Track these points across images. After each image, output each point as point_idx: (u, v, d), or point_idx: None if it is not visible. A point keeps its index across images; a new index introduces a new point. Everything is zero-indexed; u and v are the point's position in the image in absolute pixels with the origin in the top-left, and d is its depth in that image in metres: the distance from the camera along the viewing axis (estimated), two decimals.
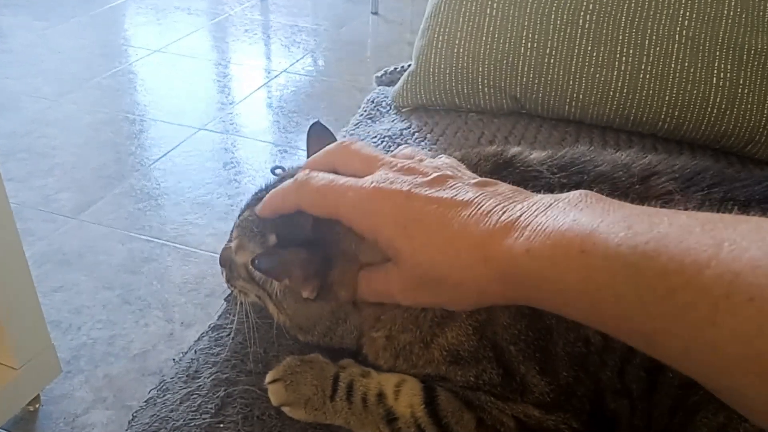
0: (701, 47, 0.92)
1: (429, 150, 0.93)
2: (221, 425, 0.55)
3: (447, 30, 1.00)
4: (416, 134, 0.98)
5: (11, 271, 1.11)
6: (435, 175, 0.45)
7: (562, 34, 0.95)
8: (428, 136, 0.98)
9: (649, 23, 0.93)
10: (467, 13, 0.99)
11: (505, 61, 0.98)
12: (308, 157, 0.58)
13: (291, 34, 3.12)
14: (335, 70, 2.84)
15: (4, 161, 2.04)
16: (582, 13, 0.94)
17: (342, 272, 0.51)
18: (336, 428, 0.54)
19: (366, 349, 0.56)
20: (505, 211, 0.40)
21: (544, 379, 0.48)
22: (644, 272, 0.33)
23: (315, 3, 3.66)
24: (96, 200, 1.90)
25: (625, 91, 0.94)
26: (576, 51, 0.95)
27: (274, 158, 2.20)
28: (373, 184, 0.45)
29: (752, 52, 0.91)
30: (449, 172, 0.46)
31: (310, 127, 0.61)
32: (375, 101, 1.11)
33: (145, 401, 0.62)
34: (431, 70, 1.02)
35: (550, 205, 0.40)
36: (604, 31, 0.94)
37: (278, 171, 0.87)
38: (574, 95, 0.97)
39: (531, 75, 0.97)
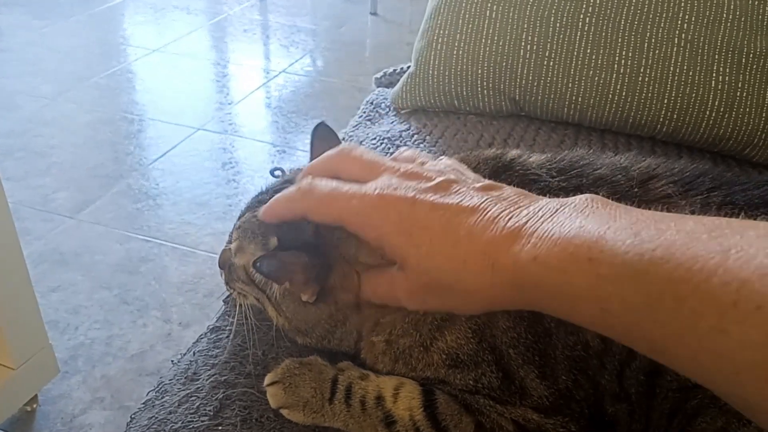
0: (700, 50, 0.92)
1: (429, 152, 0.93)
2: (220, 427, 0.55)
3: (446, 32, 1.00)
4: (415, 136, 0.98)
5: (9, 270, 1.11)
6: (439, 179, 0.45)
7: (561, 36, 0.95)
8: (427, 138, 0.98)
9: (648, 26, 0.93)
10: (467, 15, 0.99)
11: (504, 64, 0.98)
12: (311, 158, 0.58)
13: (290, 34, 3.12)
14: (334, 71, 2.84)
15: (2, 160, 2.04)
16: (581, 16, 0.94)
17: (342, 276, 0.51)
18: (334, 431, 0.54)
19: (365, 353, 0.56)
20: (511, 217, 0.40)
21: (543, 383, 0.48)
22: (652, 280, 0.33)
23: (314, 3, 3.66)
24: (94, 200, 1.90)
25: (624, 93, 0.95)
26: (575, 53, 0.95)
27: (273, 158, 2.20)
28: (377, 191, 0.45)
29: (751, 55, 0.91)
30: (453, 176, 0.46)
31: (315, 128, 0.60)
32: (374, 102, 1.11)
33: (144, 403, 0.62)
34: (431, 71, 1.02)
35: (557, 210, 0.39)
36: (604, 34, 0.94)
37: (277, 173, 0.87)
38: (573, 98, 0.97)
39: (530, 77, 0.97)
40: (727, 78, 0.91)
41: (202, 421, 0.56)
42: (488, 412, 0.50)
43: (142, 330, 1.48)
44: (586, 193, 0.48)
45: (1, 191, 1.05)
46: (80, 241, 1.73)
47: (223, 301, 0.81)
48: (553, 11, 0.95)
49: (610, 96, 0.95)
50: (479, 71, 0.99)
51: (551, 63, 0.96)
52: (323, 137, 0.60)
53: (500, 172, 0.53)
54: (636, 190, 0.50)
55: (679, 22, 0.92)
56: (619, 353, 0.47)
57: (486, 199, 0.42)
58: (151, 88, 2.65)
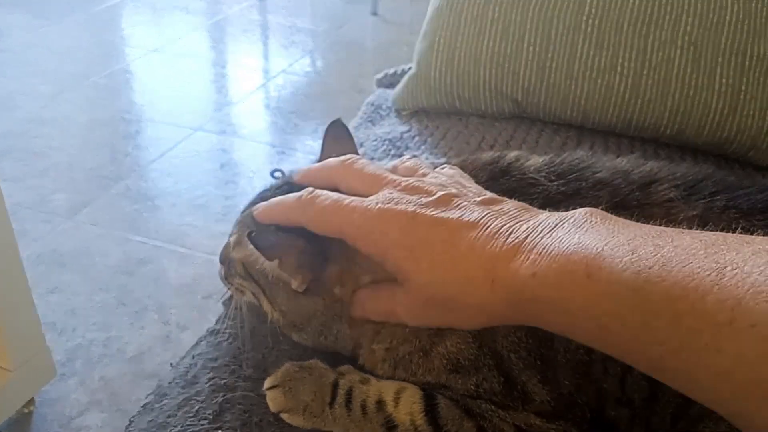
0: (703, 53, 0.91)
1: (431, 154, 0.93)
2: (219, 431, 0.54)
3: (448, 33, 0.99)
4: (416, 138, 0.97)
5: (6, 272, 1.10)
6: (440, 194, 0.45)
7: (564, 38, 0.95)
8: (429, 139, 0.97)
9: (651, 28, 0.92)
10: (469, 17, 0.98)
11: (506, 65, 0.97)
12: (321, 157, 0.58)
13: (289, 35, 3.11)
14: (334, 71, 2.84)
15: (0, 161, 2.03)
16: (584, 18, 0.94)
17: (341, 272, 0.51)
18: None
19: (363, 359, 0.55)
20: (511, 232, 0.41)
21: (545, 388, 0.48)
22: (649, 297, 0.33)
23: (314, 3, 3.65)
24: (92, 201, 1.89)
25: (626, 96, 0.94)
26: (578, 55, 0.94)
27: (272, 159, 2.20)
28: (379, 206, 0.45)
29: (754, 58, 0.91)
30: (454, 190, 0.46)
31: (330, 125, 0.60)
32: (375, 104, 1.11)
33: (143, 406, 0.61)
34: (432, 73, 1.01)
35: (556, 225, 0.40)
36: (606, 36, 0.94)
37: (277, 174, 0.86)
38: (576, 100, 0.96)
39: (533, 79, 0.97)
40: (730, 80, 0.91)
41: (202, 425, 0.55)
42: (490, 417, 0.49)
43: (140, 332, 1.47)
44: (585, 197, 0.48)
45: None
46: (78, 243, 1.73)
47: (222, 303, 0.81)
48: (556, 13, 0.95)
49: (613, 98, 0.95)
50: (481, 72, 0.98)
51: (554, 65, 0.96)
52: (337, 137, 0.59)
53: (498, 176, 0.53)
54: (637, 194, 0.50)
55: (682, 24, 0.92)
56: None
57: (486, 214, 0.43)
58: (150, 88, 2.64)
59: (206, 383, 0.59)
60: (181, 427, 0.56)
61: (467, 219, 0.42)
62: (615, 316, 0.34)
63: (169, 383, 0.62)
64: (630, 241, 0.36)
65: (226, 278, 0.60)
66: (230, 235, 0.58)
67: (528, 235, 0.40)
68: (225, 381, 0.59)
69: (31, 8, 3.17)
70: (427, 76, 1.02)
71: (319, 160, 0.59)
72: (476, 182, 0.50)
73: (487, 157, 0.56)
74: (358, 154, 0.57)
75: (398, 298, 0.46)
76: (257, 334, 0.66)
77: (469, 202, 0.44)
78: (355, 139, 0.62)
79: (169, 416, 0.57)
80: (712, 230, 0.37)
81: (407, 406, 0.51)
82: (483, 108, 1.02)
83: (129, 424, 0.59)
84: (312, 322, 0.55)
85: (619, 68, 0.94)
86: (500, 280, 0.39)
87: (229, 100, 2.56)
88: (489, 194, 0.46)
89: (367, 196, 0.47)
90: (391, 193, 0.46)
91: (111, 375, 1.37)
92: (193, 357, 0.64)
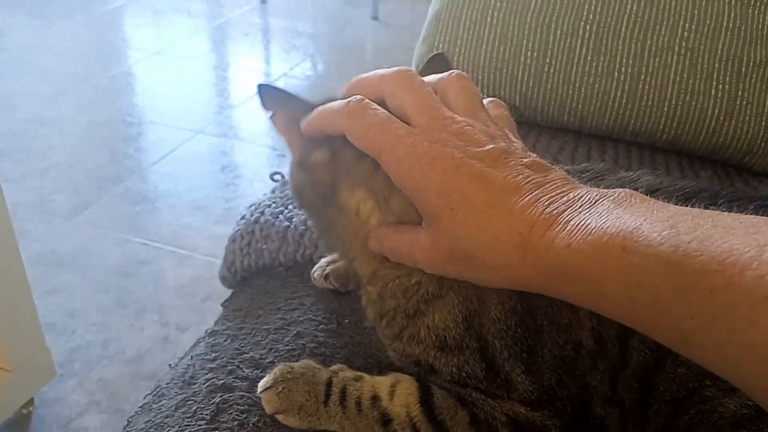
0: (700, 59, 0.92)
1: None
2: None
3: (447, 38, 1.00)
4: None
5: (7, 272, 1.11)
6: (489, 147, 0.44)
7: (562, 43, 0.95)
8: None
9: (649, 34, 0.93)
10: (468, 22, 0.99)
11: (504, 70, 0.98)
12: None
13: (290, 38, 3.12)
14: (335, 75, 2.85)
15: (0, 161, 2.03)
16: (582, 23, 0.95)
17: (327, 162, 0.51)
18: None
19: (364, 300, 0.56)
20: (551, 202, 0.40)
21: (528, 379, 0.48)
22: (685, 271, 0.33)
23: (314, 7, 3.67)
24: (92, 202, 1.89)
25: (624, 101, 0.95)
26: (576, 61, 0.95)
27: (272, 162, 2.20)
28: (426, 143, 0.43)
29: (751, 64, 0.91)
30: (503, 144, 0.44)
31: (432, 56, 0.60)
32: None
33: (140, 407, 0.62)
34: None
35: (596, 201, 0.40)
36: (604, 42, 0.94)
37: (277, 177, 0.87)
38: (573, 104, 0.97)
39: (530, 84, 0.98)
40: (726, 86, 0.92)
41: (199, 426, 0.55)
42: (481, 405, 0.50)
43: (139, 333, 1.48)
44: None
45: (0, 193, 1.05)
46: (78, 244, 1.73)
47: (222, 305, 0.81)
48: (554, 19, 0.95)
49: (610, 103, 0.95)
50: (480, 77, 0.99)
51: (551, 70, 0.96)
52: (437, 70, 0.60)
53: None
54: None
55: (680, 30, 0.92)
56: (613, 356, 0.47)
57: (531, 180, 0.42)
58: (151, 90, 2.65)
59: (204, 384, 0.59)
60: (179, 427, 0.56)
61: (512, 181, 0.42)
62: (648, 288, 0.34)
63: (167, 384, 0.62)
64: (669, 218, 0.36)
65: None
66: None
67: (568, 208, 0.39)
68: (222, 382, 0.59)
69: (32, 9, 3.18)
70: None
71: None
72: None
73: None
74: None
75: (420, 241, 0.45)
76: (256, 335, 0.67)
77: (516, 162, 0.43)
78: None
79: (166, 417, 0.57)
80: None
81: (402, 398, 0.52)
82: None
83: (127, 425, 0.60)
84: (305, 196, 0.56)
85: (616, 74, 0.94)
86: (533, 247, 0.39)
87: (230, 103, 2.57)
88: (536, 158, 0.45)
89: (413, 122, 0.45)
90: (440, 133, 0.44)
91: (110, 376, 1.37)
92: (192, 358, 0.65)
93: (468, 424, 0.50)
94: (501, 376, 0.49)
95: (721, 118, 0.92)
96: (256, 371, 0.60)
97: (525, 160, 0.44)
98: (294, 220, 0.78)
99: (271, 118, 0.54)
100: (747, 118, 0.92)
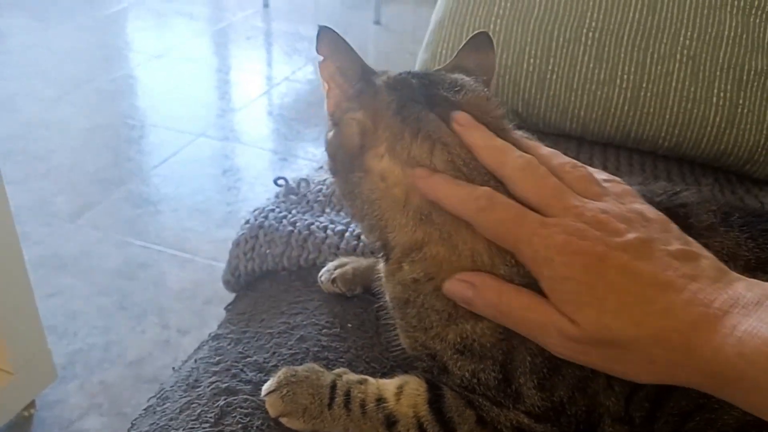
0: (702, 67, 0.93)
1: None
2: None
3: (450, 45, 1.01)
4: None
5: (9, 275, 1.11)
6: (630, 236, 0.42)
7: (564, 50, 0.96)
8: None
9: (651, 42, 0.94)
10: (471, 29, 0.99)
11: (507, 76, 0.98)
12: (453, 60, 0.59)
13: (292, 42, 3.13)
14: None
15: (1, 163, 2.03)
16: (585, 31, 0.95)
17: (364, 123, 0.52)
18: None
19: (386, 273, 0.54)
20: (712, 300, 0.39)
21: (538, 393, 0.49)
22: None
23: (317, 11, 3.68)
24: (94, 205, 1.90)
25: (625, 108, 0.95)
26: (578, 68, 0.96)
27: (274, 166, 2.21)
28: (563, 236, 0.42)
29: (752, 72, 0.92)
30: (642, 231, 0.43)
31: (474, 35, 0.60)
32: None
33: (144, 409, 0.62)
34: None
35: (758, 302, 0.39)
36: (606, 49, 0.95)
37: (280, 182, 0.88)
38: (576, 111, 0.97)
39: (533, 90, 0.98)
40: (728, 94, 0.92)
41: (203, 428, 0.56)
42: (487, 411, 0.50)
43: (140, 336, 1.48)
44: None
45: (3, 195, 1.05)
46: (79, 246, 1.73)
47: (225, 308, 0.82)
48: (557, 26, 0.96)
49: (612, 110, 0.96)
50: None
51: (554, 77, 0.97)
52: (478, 48, 0.60)
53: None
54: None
55: (681, 38, 0.93)
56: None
57: (682, 273, 0.41)
58: (153, 93, 2.66)
59: (208, 387, 0.60)
60: (183, 430, 0.56)
61: (663, 276, 0.40)
62: None
63: (171, 387, 0.63)
64: None
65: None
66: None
67: (731, 308, 0.38)
68: (227, 385, 0.60)
69: (34, 11, 3.19)
70: None
71: (447, 68, 0.59)
72: None
73: (659, 191, 0.54)
74: (495, 69, 0.59)
75: (557, 322, 0.43)
76: (259, 339, 0.67)
77: (662, 252, 0.42)
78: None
79: (171, 419, 0.58)
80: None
81: (411, 398, 0.52)
82: None
83: (131, 427, 0.60)
84: (337, 157, 0.55)
85: (618, 81, 0.95)
86: (699, 349, 0.38)
87: (232, 107, 2.57)
88: (681, 244, 0.44)
89: (545, 212, 0.45)
90: (575, 224, 0.43)
91: (111, 379, 1.37)
92: (195, 361, 0.65)
93: (475, 423, 0.50)
94: (512, 387, 0.49)
95: (723, 125, 0.93)
96: (259, 375, 0.60)
97: (670, 248, 0.43)
98: (297, 224, 0.79)
99: (321, 63, 0.55)
100: (748, 126, 0.92)
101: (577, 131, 1.00)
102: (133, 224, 1.84)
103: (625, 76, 0.94)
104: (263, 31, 3.31)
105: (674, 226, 0.46)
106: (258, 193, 1.98)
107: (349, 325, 0.67)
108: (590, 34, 0.95)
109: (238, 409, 0.57)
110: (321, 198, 0.84)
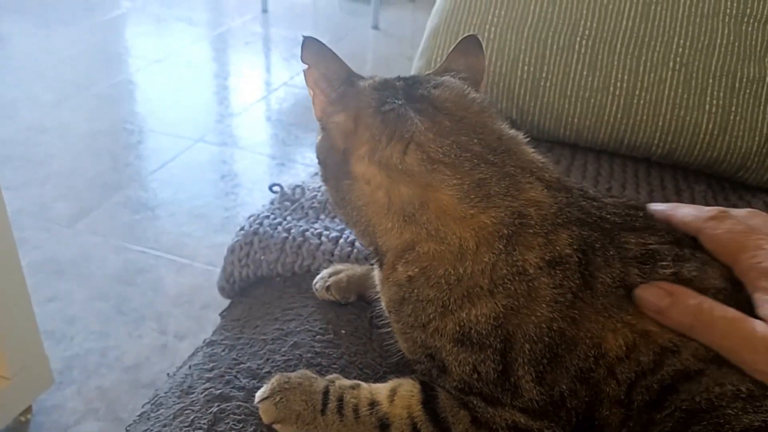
0: (694, 75, 0.93)
1: None
2: None
3: (445, 52, 1.01)
4: None
5: (6, 279, 1.12)
6: None
7: (558, 58, 0.97)
8: None
9: (644, 50, 0.94)
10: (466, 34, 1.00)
11: (501, 84, 0.99)
12: (439, 67, 0.60)
13: (291, 47, 3.14)
14: None
15: (1, 168, 2.04)
16: (578, 39, 0.96)
17: (347, 124, 0.55)
18: None
19: (382, 280, 0.55)
20: None
21: (536, 388, 0.49)
22: None
23: (315, 16, 3.69)
24: (92, 210, 1.90)
25: (619, 115, 0.96)
26: (571, 75, 0.96)
27: (272, 171, 2.21)
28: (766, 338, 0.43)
29: (744, 80, 0.92)
30: None
31: (463, 38, 0.62)
32: None
33: (139, 415, 0.62)
34: None
35: None
36: (600, 57, 0.95)
37: (276, 188, 0.88)
38: (569, 119, 0.98)
39: (527, 97, 0.99)
40: (720, 102, 0.93)
41: None
42: (482, 411, 0.51)
43: (137, 341, 1.48)
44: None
45: (0, 200, 1.06)
46: (77, 251, 1.74)
47: (220, 315, 0.82)
48: (550, 33, 0.97)
49: (606, 117, 0.96)
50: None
51: (548, 84, 0.97)
52: (467, 52, 0.61)
53: None
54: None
55: (674, 46, 0.94)
56: (645, 364, 0.47)
57: None
58: (152, 98, 2.66)
59: (201, 393, 0.60)
60: None
61: None
62: None
63: (165, 393, 0.63)
64: None
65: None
66: None
67: None
68: (220, 391, 0.60)
69: (34, 17, 3.20)
70: None
71: (437, 71, 0.60)
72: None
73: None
74: (485, 70, 0.60)
75: (765, 336, 0.44)
76: (253, 345, 0.67)
77: None
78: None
79: (164, 425, 0.58)
80: None
81: (404, 400, 0.52)
82: None
83: None
84: (327, 162, 0.56)
85: (611, 88, 0.95)
86: None
87: (231, 112, 2.58)
88: None
89: (728, 272, 0.47)
90: None
91: (108, 384, 1.38)
92: (190, 367, 0.66)
93: (470, 422, 0.51)
94: (510, 381, 0.49)
95: (715, 132, 0.93)
96: (253, 381, 0.61)
97: None
98: (292, 231, 0.79)
99: (306, 71, 0.57)
100: (741, 133, 0.93)
101: (570, 138, 1.01)
102: (131, 229, 1.84)
103: (619, 84, 0.95)
104: (262, 37, 3.32)
105: None
106: (256, 198, 1.99)
107: (343, 331, 0.67)
108: (584, 42, 0.96)
109: (231, 415, 0.57)
110: (316, 204, 0.85)
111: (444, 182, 0.49)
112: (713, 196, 0.95)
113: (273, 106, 2.65)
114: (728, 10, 0.93)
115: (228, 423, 0.57)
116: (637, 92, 0.95)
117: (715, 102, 0.93)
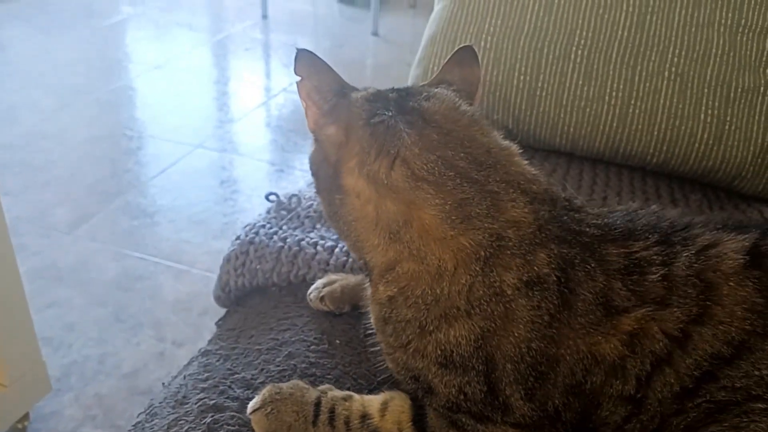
0: (689, 84, 0.94)
1: None
2: None
3: (442, 61, 1.01)
4: None
5: (4, 286, 1.12)
6: None
7: (554, 68, 0.97)
8: None
9: (639, 60, 0.95)
10: (462, 45, 1.00)
11: (498, 93, 1.00)
12: (435, 77, 0.61)
13: (291, 53, 3.11)
14: None
15: (0, 174, 2.05)
16: (574, 49, 0.96)
17: (339, 139, 0.55)
18: None
19: (369, 293, 0.55)
20: None
21: (527, 404, 0.49)
22: None
23: (315, 22, 3.70)
24: (91, 216, 1.90)
25: (614, 125, 0.96)
26: (567, 85, 0.97)
27: (271, 177, 2.22)
28: None
29: (739, 90, 0.93)
30: None
31: (459, 49, 0.63)
32: None
33: (134, 425, 0.63)
34: None
35: None
36: (595, 67, 0.96)
37: (272, 197, 0.88)
38: (565, 128, 0.99)
39: (523, 107, 0.99)
40: (715, 111, 0.93)
41: None
42: (472, 428, 0.51)
43: (135, 348, 1.48)
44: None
45: None
46: (76, 258, 1.74)
47: (216, 324, 0.82)
48: (546, 43, 0.97)
49: (601, 127, 0.97)
50: None
51: (544, 93, 0.98)
52: (461, 62, 0.62)
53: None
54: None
55: (669, 56, 0.94)
56: (659, 350, 0.46)
57: None
58: (152, 104, 2.67)
59: (196, 404, 0.60)
60: None
61: None
62: None
63: (160, 403, 0.63)
64: None
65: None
66: None
67: None
68: (214, 402, 0.60)
69: (34, 22, 3.21)
70: None
71: (432, 82, 0.61)
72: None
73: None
74: (480, 81, 0.61)
75: None
76: (247, 355, 0.67)
77: None
78: None
79: None
80: None
81: (395, 415, 0.53)
82: None
83: None
84: (320, 174, 0.58)
85: (607, 98, 0.96)
86: None
87: (230, 118, 2.59)
88: None
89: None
90: None
91: (106, 391, 1.38)
92: (184, 377, 0.66)
93: None
94: (499, 400, 0.49)
95: (710, 142, 0.94)
96: (247, 391, 0.61)
97: None
98: (288, 240, 0.80)
99: (299, 83, 0.57)
100: (736, 143, 0.93)
101: (566, 147, 1.01)
102: (130, 235, 1.84)
103: (614, 93, 0.95)
104: (262, 43, 3.33)
105: None
106: (255, 204, 1.99)
107: (337, 341, 0.68)
108: (579, 52, 0.96)
109: (224, 426, 0.57)
110: (312, 214, 0.85)
111: (427, 201, 0.49)
112: (708, 205, 0.95)
113: (272, 112, 2.66)
114: (723, 21, 0.94)
115: None
116: (632, 102, 0.95)
117: (710, 111, 0.93)
